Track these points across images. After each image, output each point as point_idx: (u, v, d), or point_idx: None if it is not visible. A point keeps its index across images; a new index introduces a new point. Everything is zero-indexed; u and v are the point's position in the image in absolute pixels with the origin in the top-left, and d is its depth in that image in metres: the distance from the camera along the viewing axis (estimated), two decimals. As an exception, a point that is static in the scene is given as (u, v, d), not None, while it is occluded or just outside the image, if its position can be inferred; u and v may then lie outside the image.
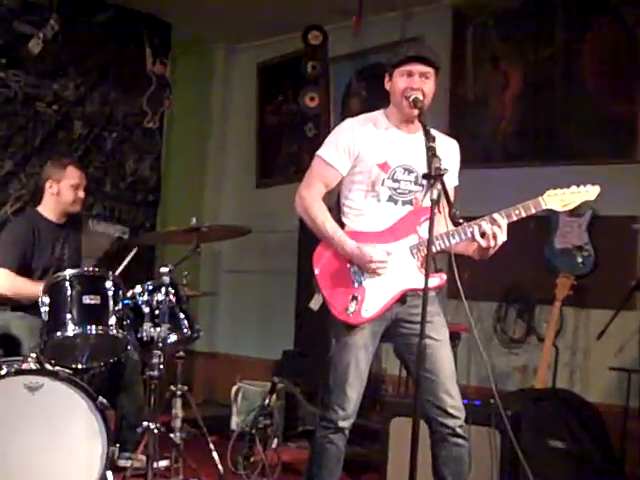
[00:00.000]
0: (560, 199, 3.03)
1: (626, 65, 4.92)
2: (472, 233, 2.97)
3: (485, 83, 5.53)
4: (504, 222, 2.95)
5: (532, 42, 5.30)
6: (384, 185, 3.11)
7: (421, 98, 3.02)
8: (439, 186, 2.74)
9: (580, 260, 4.82)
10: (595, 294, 4.80)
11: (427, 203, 2.99)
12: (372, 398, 3.92)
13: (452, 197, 3.05)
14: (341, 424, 3.13)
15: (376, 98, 5.54)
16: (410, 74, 3.04)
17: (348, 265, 3.10)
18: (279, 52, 6.68)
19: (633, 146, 4.84)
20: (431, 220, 2.74)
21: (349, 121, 3.21)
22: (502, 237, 2.94)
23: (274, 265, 6.43)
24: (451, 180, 3.13)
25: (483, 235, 2.95)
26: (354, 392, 3.12)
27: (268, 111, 6.86)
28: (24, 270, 4.09)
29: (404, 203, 3.14)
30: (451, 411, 3.09)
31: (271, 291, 6.50)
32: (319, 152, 3.18)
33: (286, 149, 6.68)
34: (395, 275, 3.08)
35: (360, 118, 3.21)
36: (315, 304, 3.19)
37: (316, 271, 3.14)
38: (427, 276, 2.76)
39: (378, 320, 3.11)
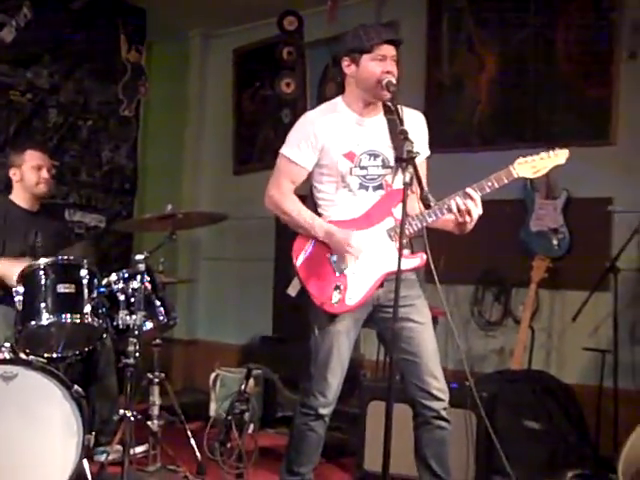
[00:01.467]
0: (531, 166, 3.03)
1: (600, 48, 4.92)
2: (447, 210, 2.97)
3: (461, 67, 5.53)
4: (477, 195, 2.95)
5: (507, 26, 5.29)
6: (352, 174, 3.12)
7: (394, 82, 3.01)
8: (411, 169, 2.73)
9: (555, 242, 4.85)
10: (570, 276, 4.82)
11: (398, 185, 3.08)
12: (350, 383, 3.95)
13: (425, 170, 3.09)
14: (321, 411, 3.17)
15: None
16: (383, 58, 3.03)
17: (328, 255, 3.11)
18: (255, 38, 6.65)
19: (608, 128, 4.85)
20: (404, 203, 2.73)
21: (308, 114, 3.21)
22: (477, 210, 2.94)
23: (252, 252, 6.42)
24: (422, 152, 3.11)
25: (459, 211, 2.94)
26: (335, 379, 3.15)
27: (245, 97, 6.83)
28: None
29: (375, 188, 3.15)
30: (436, 393, 3.12)
31: (249, 278, 6.49)
32: (282, 150, 3.18)
33: (263, 135, 6.66)
34: (375, 260, 3.10)
35: (319, 109, 3.21)
36: (293, 290, 3.20)
37: (296, 263, 3.14)
38: (400, 257, 2.74)
39: (361, 307, 3.12)
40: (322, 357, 3.13)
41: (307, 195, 3.27)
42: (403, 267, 2.84)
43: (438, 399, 3.13)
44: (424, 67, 5.63)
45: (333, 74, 6.13)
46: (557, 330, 4.94)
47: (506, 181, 2.99)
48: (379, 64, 3.03)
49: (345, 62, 3.12)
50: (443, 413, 3.14)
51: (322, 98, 6.10)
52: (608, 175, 4.81)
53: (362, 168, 3.12)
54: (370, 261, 3.09)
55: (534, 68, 5.19)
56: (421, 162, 3.07)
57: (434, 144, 5.24)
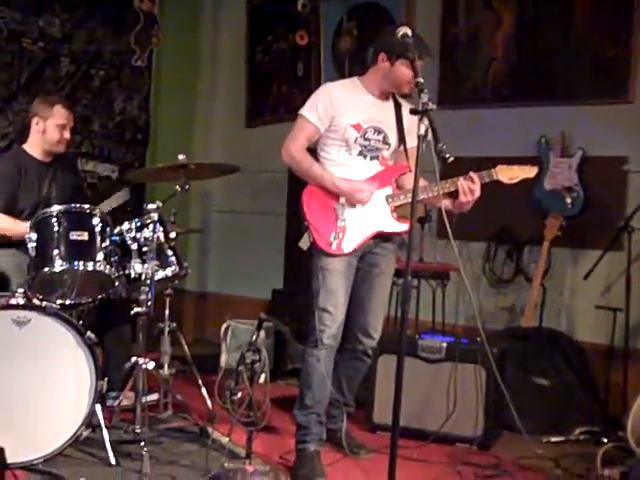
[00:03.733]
0: (509, 173, 3.50)
1: (620, 5, 4.84)
2: (450, 187, 3.43)
3: (477, 23, 5.44)
4: (478, 180, 3.41)
5: (524, -19, 5.22)
6: (356, 142, 3.62)
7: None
8: (426, 121, 2.83)
9: (569, 201, 4.81)
10: (583, 235, 4.80)
11: (391, 161, 3.71)
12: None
13: (415, 155, 3.24)
14: (326, 341, 3.53)
15: (367, 38, 5.47)
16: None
17: (334, 204, 3.57)
18: (269, -10, 6.58)
19: (625, 86, 4.78)
20: (418, 155, 2.84)
21: (328, 84, 3.72)
22: (478, 192, 3.42)
23: (264, 205, 6.42)
24: (414, 141, 3.36)
25: (463, 191, 3.41)
26: (336, 310, 3.55)
27: (258, 50, 6.76)
28: (11, 209, 4.06)
29: (372, 158, 3.66)
30: (371, 332, 3.72)
31: (261, 231, 6.49)
32: (301, 111, 3.65)
33: (276, 89, 6.61)
34: (372, 217, 3.60)
35: (338, 83, 3.76)
36: (304, 244, 3.58)
37: (305, 207, 3.58)
38: (411, 226, 2.78)
39: (354, 253, 3.59)
40: (323, 292, 3.54)
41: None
42: (392, 229, 3.62)
43: (371, 337, 3.73)
44: (439, 22, 5.54)
45: (347, 28, 6.06)
46: (569, 288, 4.92)
47: (487, 180, 3.46)
48: (410, 71, 3.37)
49: (381, 57, 3.58)
50: (369, 351, 3.77)
51: (336, 51, 6.07)
52: (624, 134, 4.76)
53: (366, 139, 3.62)
54: (367, 217, 3.59)
55: (551, 25, 5.10)
56: (414, 147, 3.40)
57: (448, 100, 5.29)
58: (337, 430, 3.78)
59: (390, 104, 3.69)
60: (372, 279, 3.70)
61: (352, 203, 3.56)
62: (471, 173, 3.40)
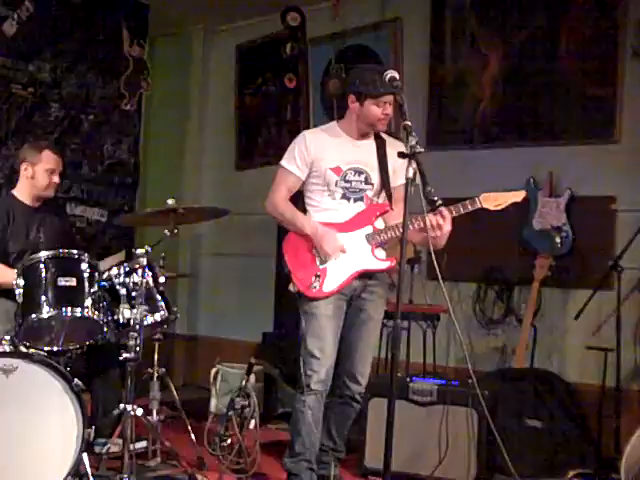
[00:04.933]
0: (494, 199, 3.44)
1: (605, 46, 4.90)
2: (419, 224, 3.37)
3: (464, 64, 5.50)
4: (448, 214, 3.35)
5: (511, 23, 5.27)
6: (337, 186, 3.63)
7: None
8: (414, 164, 2.86)
9: (558, 240, 4.82)
10: (573, 275, 4.81)
11: (378, 200, 3.69)
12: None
13: (402, 193, 3.27)
14: (314, 387, 3.53)
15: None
16: (384, 104, 3.54)
17: (313, 250, 3.60)
18: (258, 34, 6.62)
19: (612, 127, 4.83)
20: (406, 198, 2.86)
21: (304, 133, 3.76)
22: (447, 227, 3.35)
23: (254, 248, 6.41)
24: (400, 179, 3.42)
25: (432, 226, 3.34)
26: (325, 357, 3.55)
27: (247, 93, 6.81)
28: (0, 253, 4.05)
29: (356, 200, 3.65)
30: (359, 378, 3.69)
31: (251, 274, 6.48)
32: (281, 162, 3.71)
33: (265, 131, 6.65)
34: (352, 258, 3.60)
35: (314, 130, 3.84)
36: (293, 287, 3.59)
37: (285, 253, 3.64)
38: (403, 262, 2.78)
39: (340, 295, 3.60)
40: (309, 337, 3.55)
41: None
42: (376, 267, 3.61)
43: (359, 383, 3.70)
44: (427, 64, 5.60)
45: (335, 70, 6.10)
46: (559, 328, 4.91)
47: (470, 208, 3.42)
48: (379, 108, 3.55)
49: (351, 98, 3.61)
50: (357, 396, 3.73)
51: (324, 94, 6.10)
52: (611, 173, 4.80)
53: (346, 181, 3.63)
54: (348, 258, 3.59)
55: (538, 66, 5.16)
56: (399, 185, 3.52)
57: (436, 141, 5.32)
58: (328, 477, 3.74)
59: (371, 143, 3.69)
60: (360, 324, 3.68)
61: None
62: (441, 208, 3.31)
